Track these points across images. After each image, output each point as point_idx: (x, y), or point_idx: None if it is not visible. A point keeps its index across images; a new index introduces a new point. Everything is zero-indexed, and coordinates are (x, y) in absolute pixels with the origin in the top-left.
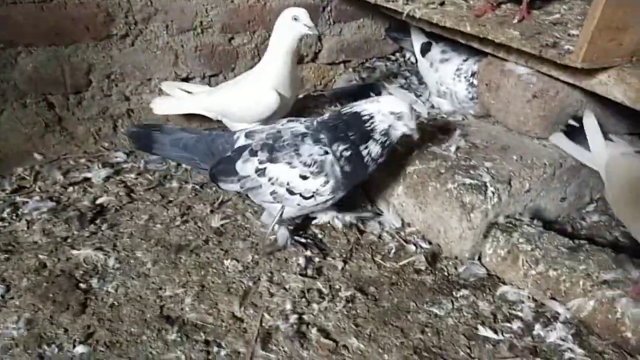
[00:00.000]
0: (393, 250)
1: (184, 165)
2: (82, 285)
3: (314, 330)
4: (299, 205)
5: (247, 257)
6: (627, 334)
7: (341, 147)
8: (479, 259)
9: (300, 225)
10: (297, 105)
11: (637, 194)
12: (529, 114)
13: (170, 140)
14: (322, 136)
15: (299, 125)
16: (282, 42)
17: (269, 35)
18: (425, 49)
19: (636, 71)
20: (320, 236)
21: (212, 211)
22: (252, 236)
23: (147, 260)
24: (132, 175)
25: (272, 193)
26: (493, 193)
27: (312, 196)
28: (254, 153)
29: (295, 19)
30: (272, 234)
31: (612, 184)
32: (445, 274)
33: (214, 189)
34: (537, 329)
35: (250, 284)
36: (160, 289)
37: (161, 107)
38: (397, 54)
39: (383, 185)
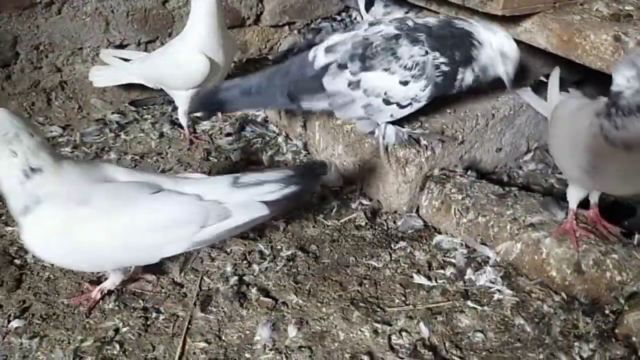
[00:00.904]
0: (335, 209)
1: (123, 136)
2: (17, 262)
3: (254, 290)
4: (391, 116)
5: None
6: (552, 273)
7: (441, 60)
8: (417, 211)
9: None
10: (238, 69)
11: (572, 129)
12: None
13: (241, 91)
14: (420, 36)
15: (387, 28)
16: (200, 3)
17: None
18: (369, 4)
19: (558, 17)
20: None
21: None
22: None
23: None
24: (68, 149)
25: (366, 106)
26: (426, 146)
27: (410, 104)
28: (343, 66)
29: None
30: (384, 152)
31: (554, 127)
32: (385, 228)
33: (154, 158)
34: (469, 273)
35: (191, 250)
36: None
37: (100, 79)
38: (343, 14)
39: (324, 145)
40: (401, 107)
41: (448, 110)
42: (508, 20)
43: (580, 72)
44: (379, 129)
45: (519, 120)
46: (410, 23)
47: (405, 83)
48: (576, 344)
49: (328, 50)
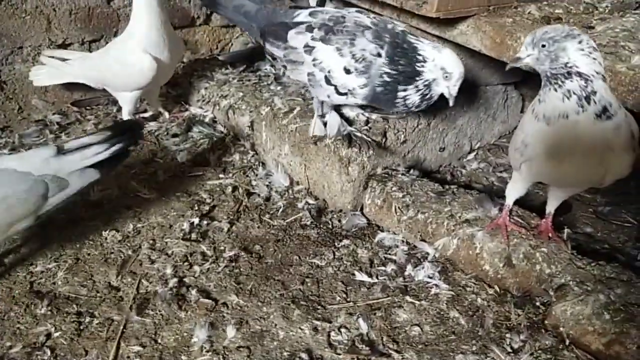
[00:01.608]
0: (281, 209)
1: (63, 137)
2: None
3: (193, 292)
4: (328, 97)
5: (128, 227)
6: (486, 267)
7: (386, 69)
8: (361, 209)
9: None
10: (186, 70)
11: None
12: None
13: (234, 6)
14: (386, 37)
15: (365, 18)
16: (141, 1)
17: None
18: (320, 6)
19: (492, 19)
20: (209, 200)
21: None
22: (135, 205)
23: (17, 237)
24: (5, 151)
25: (309, 75)
26: (368, 146)
27: (346, 94)
28: (310, 29)
29: None
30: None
31: None
32: (330, 226)
33: None
34: (409, 269)
35: (130, 252)
36: (32, 264)
37: (40, 78)
38: None
39: (271, 145)
40: (339, 93)
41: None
42: (444, 23)
43: (518, 74)
44: (329, 113)
45: (461, 121)
46: (389, 25)
47: (348, 71)
48: (508, 335)
49: (311, 13)
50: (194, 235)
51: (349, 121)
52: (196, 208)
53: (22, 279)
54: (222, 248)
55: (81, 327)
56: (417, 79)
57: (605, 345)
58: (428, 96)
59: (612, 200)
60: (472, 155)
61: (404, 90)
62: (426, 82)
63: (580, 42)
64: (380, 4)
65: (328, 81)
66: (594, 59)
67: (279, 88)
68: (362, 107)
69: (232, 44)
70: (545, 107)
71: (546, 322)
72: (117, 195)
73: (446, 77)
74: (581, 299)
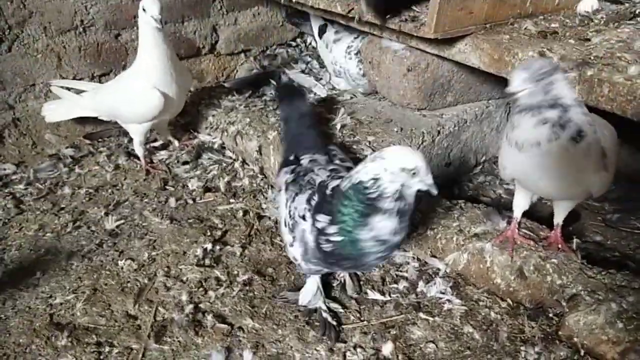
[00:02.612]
0: None
1: (77, 170)
2: None
3: (209, 317)
4: (290, 246)
5: (143, 256)
6: (497, 280)
7: (323, 222)
8: None
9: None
10: (193, 98)
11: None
12: (406, 87)
13: (285, 115)
14: (314, 199)
15: (320, 173)
16: (144, 36)
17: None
18: (321, 31)
19: (489, 37)
20: (220, 225)
21: (106, 214)
22: (149, 234)
23: (37, 271)
24: (21, 186)
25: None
26: None
27: (290, 246)
28: (292, 170)
29: (144, 10)
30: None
31: None
32: None
33: (109, 190)
34: (421, 286)
35: (146, 281)
36: (50, 297)
37: (52, 114)
38: (298, 40)
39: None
40: (288, 244)
41: (394, 129)
42: (442, 43)
43: None
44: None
45: (464, 136)
46: (326, 178)
47: (286, 224)
48: (522, 348)
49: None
50: (207, 261)
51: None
52: (209, 234)
53: (41, 312)
54: (235, 272)
55: (101, 357)
56: (380, 204)
57: (620, 354)
58: (404, 206)
59: (621, 208)
60: (478, 169)
61: (370, 229)
62: (396, 196)
63: (564, 73)
64: (379, 28)
65: (285, 225)
66: (573, 87)
67: None
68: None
69: (237, 71)
70: (518, 133)
71: (560, 333)
72: (130, 225)
73: (413, 174)
74: (593, 308)
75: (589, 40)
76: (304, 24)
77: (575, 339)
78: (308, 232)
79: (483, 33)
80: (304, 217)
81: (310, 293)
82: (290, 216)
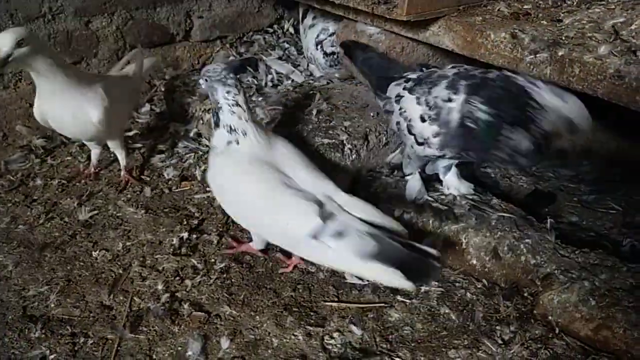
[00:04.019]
0: None
1: (49, 161)
2: None
3: (186, 306)
4: (411, 147)
5: (117, 246)
6: (473, 261)
7: (480, 105)
8: None
9: None
10: (168, 86)
11: None
12: None
13: (362, 59)
14: (461, 83)
15: (452, 70)
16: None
17: (131, 16)
18: (303, 16)
19: (462, 19)
20: (197, 214)
21: (79, 204)
22: (124, 224)
23: (9, 263)
24: None
25: (397, 124)
26: (350, 150)
27: (423, 143)
28: (406, 80)
29: None
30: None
31: None
32: None
33: (82, 181)
34: None
35: (121, 271)
36: (23, 289)
37: None
38: (275, 26)
39: None
40: (418, 143)
41: (371, 114)
42: (416, 25)
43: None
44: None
45: None
46: (472, 72)
47: (422, 119)
48: (498, 327)
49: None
50: (184, 250)
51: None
52: (185, 223)
53: (14, 304)
54: (212, 260)
55: (76, 348)
56: (530, 125)
57: (594, 330)
58: (543, 147)
59: (596, 189)
60: None
61: (510, 132)
62: (542, 132)
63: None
64: (354, 11)
65: (409, 131)
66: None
67: (260, 99)
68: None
69: (213, 58)
70: None
71: (535, 312)
72: (104, 216)
73: (572, 130)
74: (567, 287)
75: (561, 21)
76: (293, 7)
77: (549, 317)
78: (456, 110)
79: (456, 15)
80: (449, 100)
81: (414, 189)
82: (429, 107)
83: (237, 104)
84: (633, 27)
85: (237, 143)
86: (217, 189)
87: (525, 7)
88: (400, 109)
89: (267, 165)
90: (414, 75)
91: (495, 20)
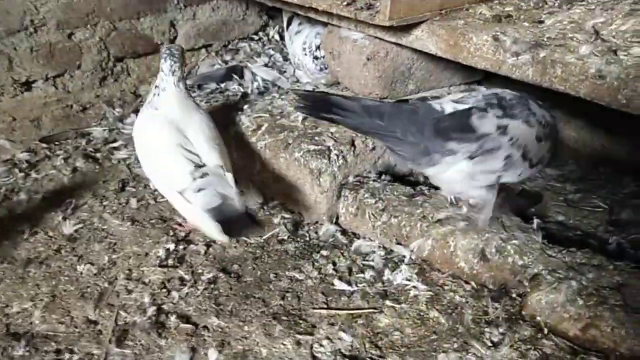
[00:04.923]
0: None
1: (33, 175)
2: None
3: (173, 318)
4: (519, 175)
5: (103, 259)
6: (461, 263)
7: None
8: (337, 219)
9: None
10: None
11: None
12: (367, 76)
13: (362, 106)
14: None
15: (507, 91)
16: None
17: (114, 27)
18: (288, 24)
19: (445, 23)
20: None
21: (64, 218)
22: (109, 237)
23: None
24: None
25: (506, 158)
26: (337, 156)
27: (538, 164)
28: (483, 110)
29: None
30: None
31: None
32: (307, 239)
33: (67, 194)
34: (387, 274)
35: (106, 285)
36: (7, 306)
37: None
38: (260, 33)
39: (243, 164)
40: (531, 165)
41: None
42: (399, 30)
43: (480, 74)
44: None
45: None
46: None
47: (539, 139)
48: (487, 329)
49: (457, 102)
50: (170, 261)
51: None
52: (172, 234)
53: None
54: (200, 271)
55: None
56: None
57: (582, 330)
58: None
59: (582, 187)
60: None
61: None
62: None
63: None
64: (337, 17)
65: (524, 156)
66: None
67: (246, 106)
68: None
69: (198, 67)
70: None
71: (523, 312)
72: (89, 229)
73: None
74: (554, 287)
75: (542, 22)
76: (277, 15)
77: (538, 318)
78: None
79: (439, 19)
80: (553, 116)
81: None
82: (543, 125)
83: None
84: (613, 27)
85: (158, 97)
86: (134, 139)
87: (507, 9)
88: (511, 139)
89: (174, 127)
90: (468, 105)
91: (478, 23)
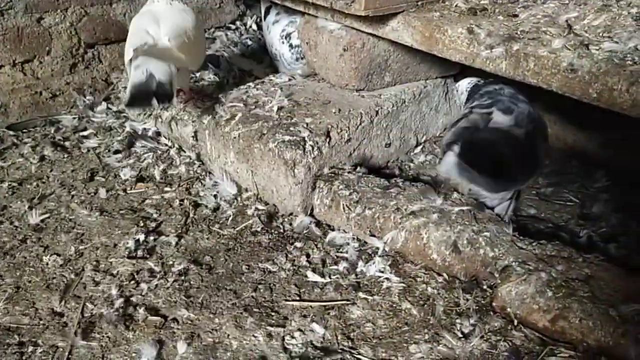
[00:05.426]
0: (231, 217)
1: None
2: None
3: (141, 310)
4: None
5: (69, 250)
6: (433, 255)
7: None
8: (311, 211)
9: None
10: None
11: None
12: (343, 67)
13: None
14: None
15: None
16: None
17: (85, 12)
18: (266, 13)
19: (420, 15)
20: (155, 215)
21: (30, 207)
22: (77, 227)
23: None
24: None
25: None
26: (312, 147)
27: None
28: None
29: None
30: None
31: None
32: (281, 230)
33: (34, 183)
34: (360, 265)
35: (73, 276)
36: None
37: None
38: (237, 22)
39: (217, 153)
40: None
41: (333, 110)
42: (375, 21)
43: (456, 67)
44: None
45: (404, 116)
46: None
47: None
48: (458, 320)
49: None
50: (140, 253)
51: None
52: (142, 224)
53: None
54: (170, 263)
55: (24, 358)
56: None
57: (551, 321)
58: None
59: (553, 181)
60: (419, 149)
61: None
62: None
63: None
64: (314, 6)
65: None
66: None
67: (220, 95)
68: None
69: None
70: None
71: (494, 304)
72: (56, 219)
73: None
74: (524, 278)
75: (516, 15)
76: (255, 4)
77: (508, 310)
78: None
79: (414, 10)
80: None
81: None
82: None
83: None
84: (586, 21)
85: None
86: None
87: (482, 2)
88: None
89: (152, 17)
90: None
91: (453, 16)
